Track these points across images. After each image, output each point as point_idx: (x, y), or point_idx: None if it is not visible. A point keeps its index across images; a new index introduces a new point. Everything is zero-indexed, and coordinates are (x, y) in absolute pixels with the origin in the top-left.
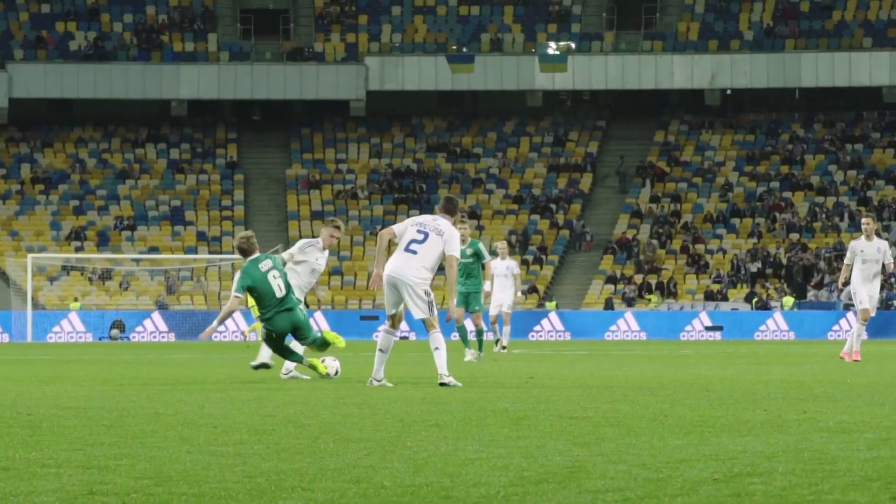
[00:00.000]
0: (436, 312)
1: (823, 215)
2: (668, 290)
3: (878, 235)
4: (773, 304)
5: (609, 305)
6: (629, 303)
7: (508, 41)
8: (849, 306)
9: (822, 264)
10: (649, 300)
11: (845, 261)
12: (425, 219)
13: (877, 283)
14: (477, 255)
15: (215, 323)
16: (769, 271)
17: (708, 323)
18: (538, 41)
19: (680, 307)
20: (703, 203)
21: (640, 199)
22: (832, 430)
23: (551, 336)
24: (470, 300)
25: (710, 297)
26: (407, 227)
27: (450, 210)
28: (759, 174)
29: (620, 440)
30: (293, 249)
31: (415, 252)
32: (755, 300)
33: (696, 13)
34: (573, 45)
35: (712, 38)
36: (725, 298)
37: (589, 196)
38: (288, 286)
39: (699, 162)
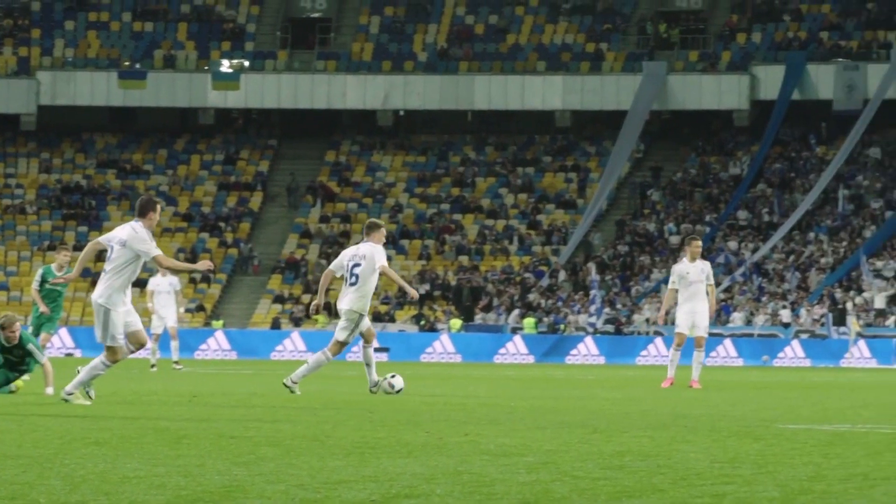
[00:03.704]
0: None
1: (493, 238)
2: (335, 311)
3: (702, 257)
4: (440, 326)
5: (276, 325)
6: (296, 323)
7: (181, 58)
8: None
9: (490, 287)
10: (316, 320)
11: (669, 286)
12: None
13: (703, 306)
14: None
15: None
16: (437, 293)
17: (375, 344)
18: (211, 59)
19: None
20: None
21: (309, 219)
22: (493, 453)
23: (217, 355)
24: (46, 323)
25: (377, 318)
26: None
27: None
28: (429, 196)
29: (280, 460)
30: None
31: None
32: (423, 322)
33: (371, 34)
34: (246, 64)
35: (386, 58)
36: (393, 320)
37: (259, 215)
38: None
39: (370, 182)
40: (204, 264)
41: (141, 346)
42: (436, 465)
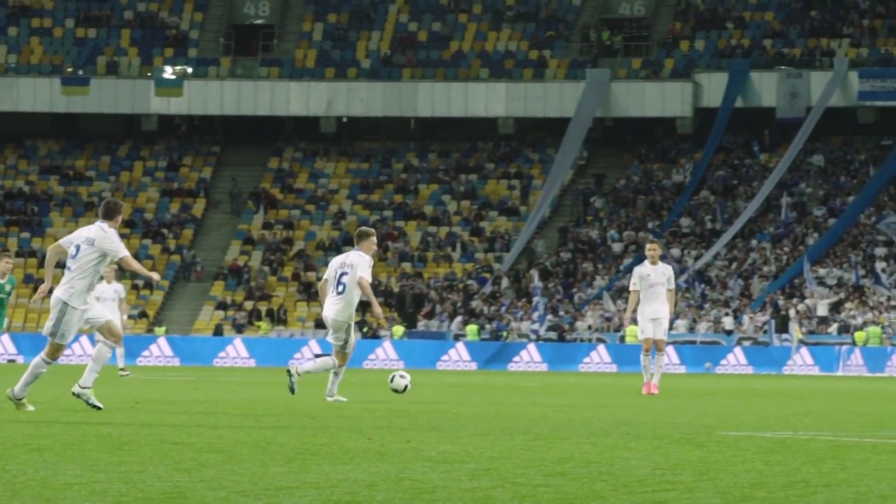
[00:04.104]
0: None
1: (436, 245)
2: (278, 317)
3: (663, 260)
4: (382, 332)
5: (219, 331)
6: (239, 329)
7: (124, 64)
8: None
9: (433, 294)
10: (259, 327)
11: (631, 287)
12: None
13: (665, 308)
14: None
15: None
16: (380, 300)
17: (318, 350)
18: (154, 65)
19: (290, 334)
20: (315, 231)
21: (252, 226)
22: (434, 460)
23: (160, 361)
24: None
25: (320, 325)
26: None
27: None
28: (372, 203)
29: (222, 466)
30: (369, 266)
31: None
32: (365, 329)
33: (314, 41)
34: (189, 70)
35: (329, 65)
36: None
37: (202, 221)
38: None
39: (313, 189)
40: (155, 275)
41: (115, 337)
42: (377, 471)
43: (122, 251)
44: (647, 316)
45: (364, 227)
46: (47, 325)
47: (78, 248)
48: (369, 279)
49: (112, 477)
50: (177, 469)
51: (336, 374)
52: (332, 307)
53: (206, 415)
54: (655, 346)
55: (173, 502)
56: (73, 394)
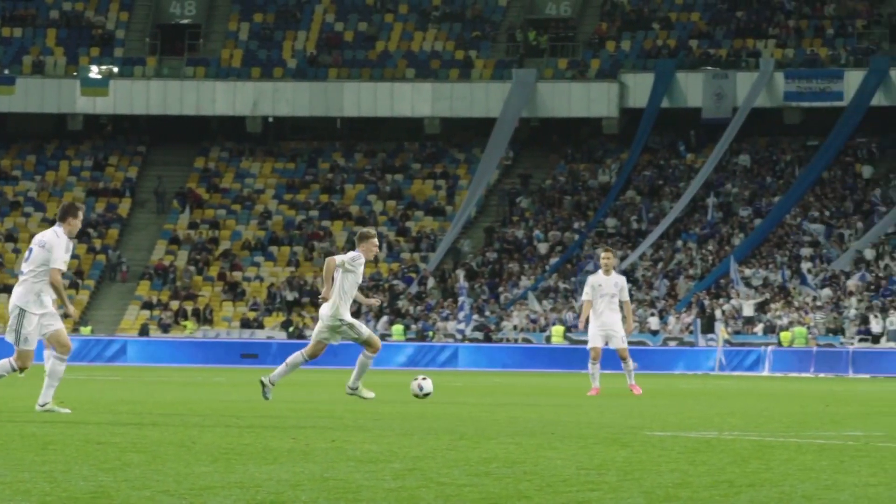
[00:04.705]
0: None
1: None
2: (204, 317)
3: (615, 270)
4: (308, 332)
5: (144, 331)
6: (165, 329)
7: (50, 64)
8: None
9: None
10: (185, 327)
11: (583, 297)
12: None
13: (617, 317)
14: None
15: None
16: (306, 300)
17: (243, 350)
18: (80, 64)
19: (216, 334)
20: (241, 230)
21: (178, 226)
22: (359, 460)
23: (85, 361)
24: None
25: (246, 324)
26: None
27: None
28: (298, 202)
29: (146, 466)
30: (346, 258)
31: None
32: (291, 328)
33: (240, 40)
34: (115, 70)
35: (255, 65)
36: (261, 326)
37: (127, 221)
38: None
39: (239, 189)
40: (75, 312)
41: (64, 347)
42: (301, 471)
43: (57, 263)
44: (598, 325)
45: (364, 229)
46: (9, 337)
47: (31, 251)
48: (339, 262)
49: (36, 476)
50: (101, 469)
51: (362, 367)
52: (324, 307)
53: (131, 414)
54: (619, 355)
55: (98, 502)
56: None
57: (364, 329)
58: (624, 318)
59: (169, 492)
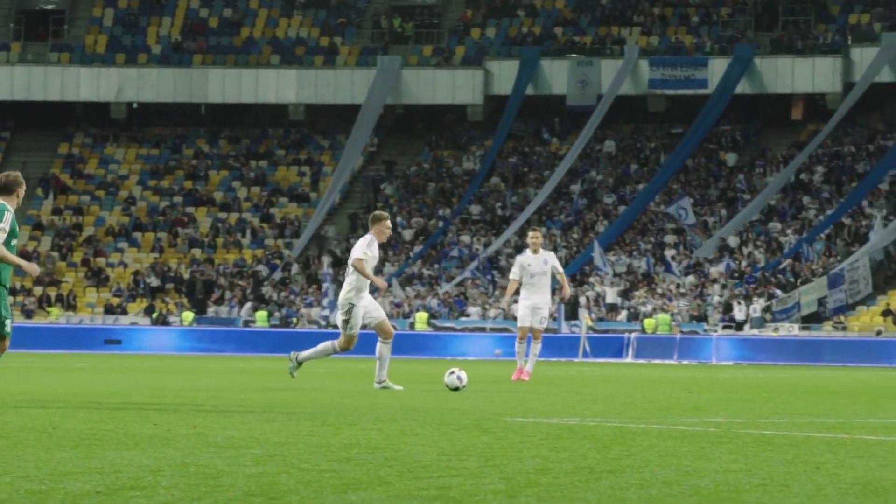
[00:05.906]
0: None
1: (226, 231)
2: (68, 303)
3: (544, 248)
4: (172, 318)
5: None
6: (29, 315)
7: None
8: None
9: (222, 280)
10: (49, 313)
11: (511, 276)
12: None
13: (546, 296)
14: None
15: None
16: (170, 286)
17: (107, 336)
18: None
19: (79, 320)
20: (105, 216)
21: (41, 212)
22: (220, 446)
23: None
24: None
25: (109, 310)
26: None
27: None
28: (162, 189)
29: (6, 452)
30: (365, 249)
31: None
32: (155, 314)
33: (105, 26)
34: None
35: (120, 51)
36: (125, 312)
37: None
38: None
39: (103, 175)
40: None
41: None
42: (162, 457)
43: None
44: (527, 305)
45: (377, 212)
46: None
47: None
48: (363, 257)
49: None
50: None
51: (380, 361)
52: (341, 292)
53: None
54: (533, 335)
55: None
56: None
57: (357, 325)
58: (559, 289)
59: (29, 477)
